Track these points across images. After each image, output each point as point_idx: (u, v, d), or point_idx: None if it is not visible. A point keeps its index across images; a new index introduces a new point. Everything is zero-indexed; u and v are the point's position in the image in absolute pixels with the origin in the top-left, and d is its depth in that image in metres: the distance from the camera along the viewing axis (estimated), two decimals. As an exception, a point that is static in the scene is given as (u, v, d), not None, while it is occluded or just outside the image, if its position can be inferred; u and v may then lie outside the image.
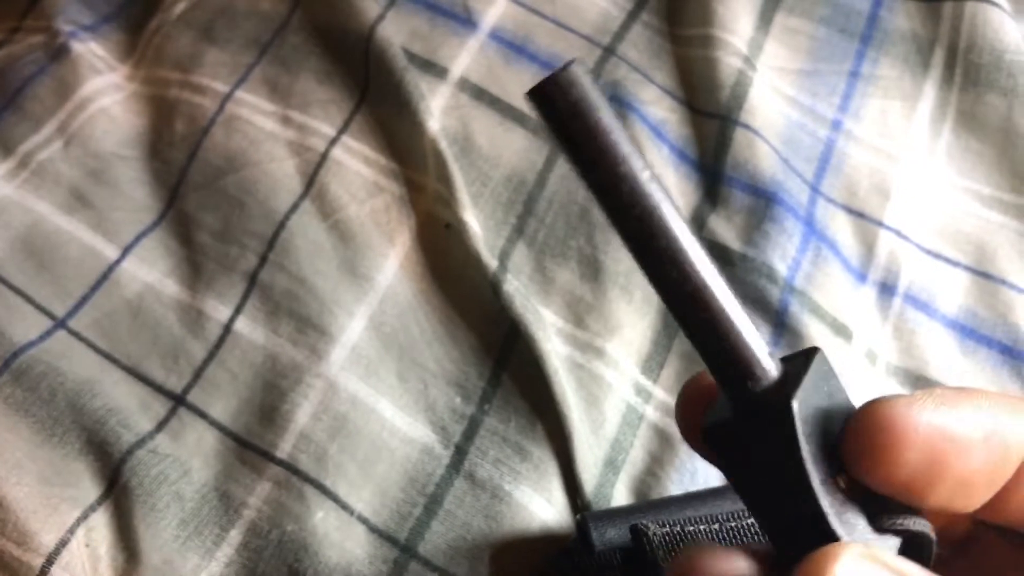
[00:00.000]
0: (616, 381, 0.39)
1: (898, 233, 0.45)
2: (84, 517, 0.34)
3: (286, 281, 0.40)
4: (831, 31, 0.50)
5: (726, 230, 0.43)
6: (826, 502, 0.18)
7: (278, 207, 0.42)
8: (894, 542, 0.19)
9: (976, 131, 0.48)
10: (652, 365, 0.40)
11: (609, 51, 0.47)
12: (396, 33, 0.45)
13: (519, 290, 0.40)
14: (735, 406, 0.19)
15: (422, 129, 0.43)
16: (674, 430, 0.39)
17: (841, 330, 0.41)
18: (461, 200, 0.41)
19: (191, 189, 0.43)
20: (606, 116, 0.17)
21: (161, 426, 0.37)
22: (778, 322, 0.41)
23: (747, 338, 0.18)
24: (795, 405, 0.18)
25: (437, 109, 0.44)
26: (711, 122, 0.46)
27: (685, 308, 0.18)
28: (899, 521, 0.19)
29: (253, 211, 0.41)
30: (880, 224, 0.45)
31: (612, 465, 0.38)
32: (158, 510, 0.35)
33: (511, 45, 0.47)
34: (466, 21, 0.47)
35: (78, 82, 0.45)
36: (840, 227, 0.45)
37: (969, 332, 0.43)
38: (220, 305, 0.40)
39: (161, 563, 0.34)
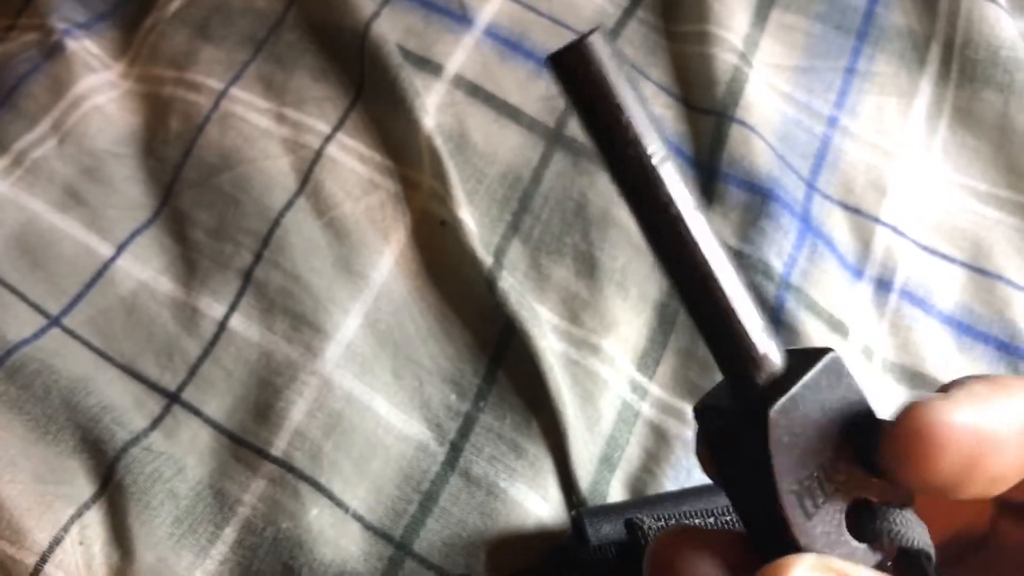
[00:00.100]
0: (612, 378, 0.39)
1: (894, 229, 0.45)
2: (78, 515, 0.34)
3: (281, 278, 0.40)
4: (827, 27, 0.50)
5: (722, 227, 0.43)
6: (793, 511, 0.18)
7: (273, 204, 0.41)
8: (873, 556, 0.19)
9: (972, 127, 0.48)
10: (648, 362, 0.40)
11: (605, 48, 0.47)
12: (391, 30, 0.45)
13: (514, 287, 0.40)
14: (732, 394, 0.19)
15: (417, 126, 0.42)
16: (670, 427, 0.39)
17: (837, 326, 0.41)
18: (456, 197, 0.41)
19: (185, 187, 0.42)
20: (622, 90, 0.17)
21: (155, 424, 0.37)
22: (774, 319, 0.41)
23: (748, 328, 0.18)
24: (772, 413, 0.18)
25: (432, 106, 0.44)
26: (707, 119, 0.46)
27: (691, 292, 0.18)
28: (895, 533, 0.19)
29: (248, 208, 0.41)
30: (876, 220, 0.45)
31: (608, 462, 0.38)
32: (152, 508, 0.34)
33: (506, 42, 0.47)
34: (461, 18, 0.47)
35: (72, 80, 0.45)
36: (836, 223, 0.45)
37: (966, 328, 0.43)
38: (215, 303, 0.39)
39: (155, 561, 0.34)
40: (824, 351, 0.18)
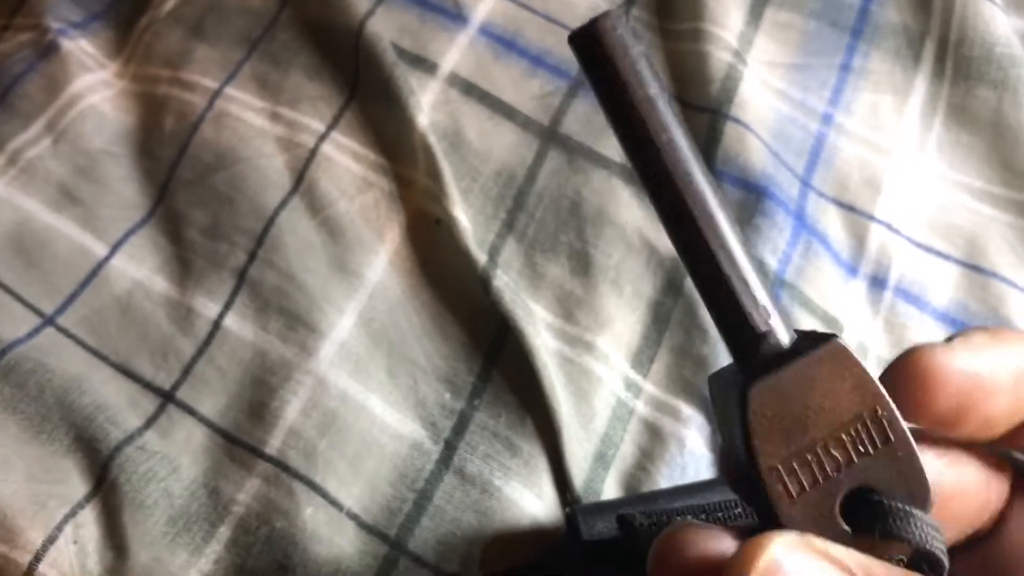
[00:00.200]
0: (606, 375, 0.39)
1: (889, 226, 0.45)
2: (72, 514, 0.34)
3: (275, 278, 0.40)
4: (821, 25, 0.50)
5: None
6: (774, 488, 0.18)
7: (267, 203, 0.41)
8: (872, 548, 0.19)
9: (967, 124, 0.48)
10: (642, 359, 0.40)
11: (599, 46, 0.47)
12: (386, 28, 0.45)
13: (509, 285, 0.40)
14: (735, 367, 0.19)
15: (412, 124, 0.42)
16: (664, 424, 0.39)
17: (832, 323, 0.41)
18: (451, 195, 0.41)
19: (180, 186, 0.42)
20: (639, 64, 0.17)
21: (150, 423, 0.37)
22: (768, 316, 0.41)
23: (751, 306, 0.18)
24: (752, 390, 0.18)
25: (427, 104, 0.44)
26: (701, 116, 0.46)
27: (700, 271, 0.19)
28: (906, 532, 0.18)
29: (242, 207, 0.41)
30: (871, 218, 0.45)
31: (602, 460, 0.38)
32: (147, 507, 0.35)
33: (501, 40, 0.47)
34: (456, 16, 0.47)
35: (67, 79, 0.45)
36: (831, 221, 0.45)
37: (960, 325, 0.43)
38: (209, 302, 0.39)
39: (150, 560, 0.34)
40: (830, 336, 0.19)
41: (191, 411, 0.37)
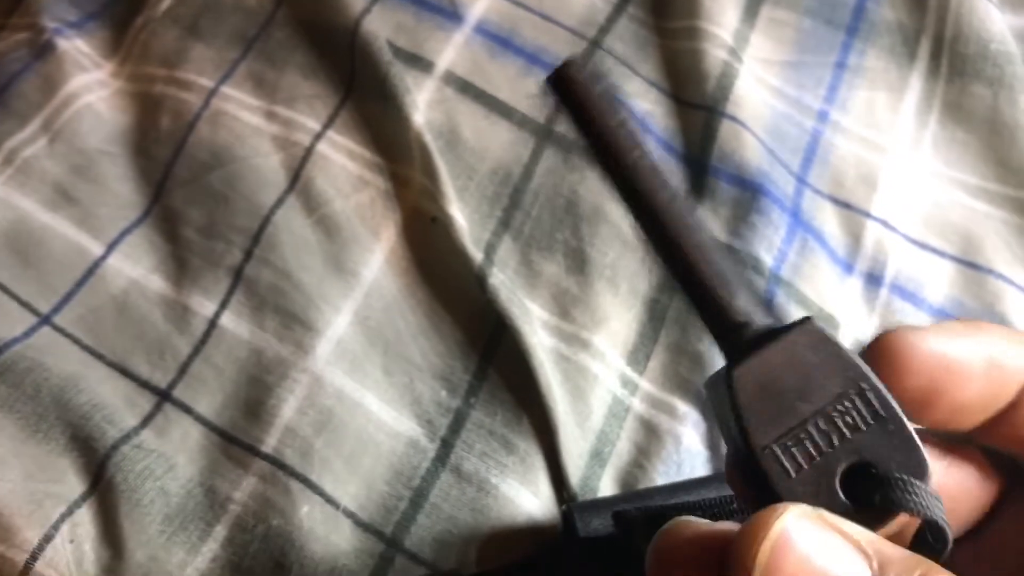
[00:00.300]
0: (602, 373, 0.39)
1: (885, 223, 0.45)
2: (69, 513, 0.34)
3: (271, 276, 0.40)
4: (817, 22, 0.50)
5: (712, 222, 0.43)
6: (772, 466, 0.19)
7: (263, 202, 0.41)
8: (874, 523, 0.19)
9: (962, 121, 0.48)
10: (638, 357, 0.40)
11: (595, 44, 0.47)
12: (382, 27, 0.45)
13: (505, 283, 0.40)
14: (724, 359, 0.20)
15: (408, 123, 0.43)
16: (660, 422, 0.39)
17: (828, 320, 0.41)
18: (447, 194, 0.41)
19: (176, 185, 0.42)
20: (604, 100, 0.20)
21: (146, 422, 0.37)
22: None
23: (728, 300, 0.19)
24: (736, 372, 0.19)
25: (423, 103, 0.44)
26: (697, 114, 0.46)
27: (679, 272, 0.20)
28: (907, 503, 0.19)
29: (238, 206, 0.41)
30: (867, 215, 0.45)
31: (598, 457, 0.38)
32: (143, 506, 0.35)
33: (496, 38, 0.47)
34: (452, 15, 0.47)
35: (63, 79, 0.45)
36: (826, 218, 0.45)
37: (956, 322, 0.43)
38: (205, 300, 0.39)
39: (146, 559, 0.34)
40: (805, 319, 0.19)
41: (187, 410, 0.37)
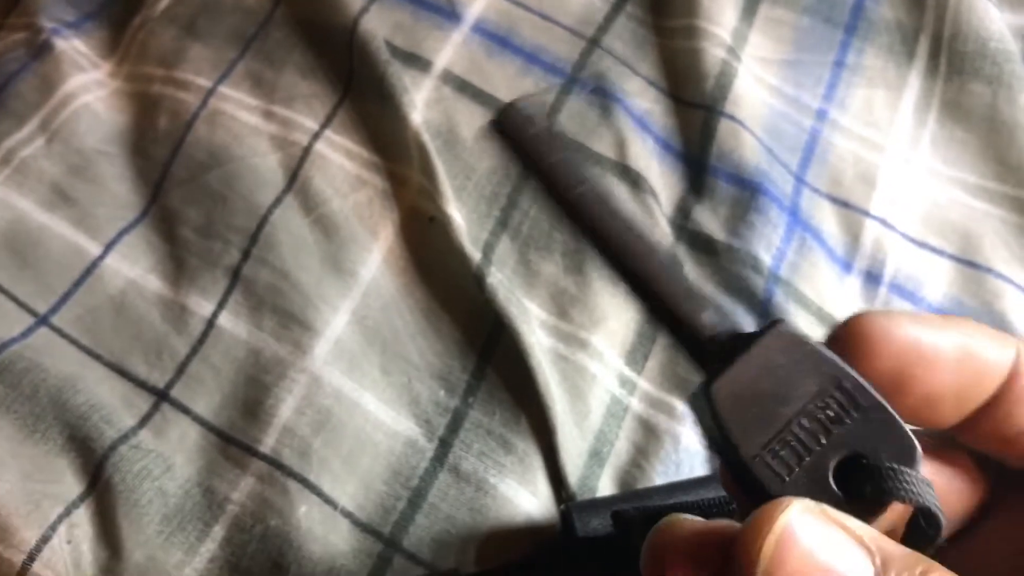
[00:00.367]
0: (601, 373, 0.39)
1: (883, 222, 0.45)
2: (66, 514, 0.34)
3: (269, 276, 0.40)
4: (815, 21, 0.50)
5: (711, 220, 0.43)
6: (764, 472, 0.19)
7: (261, 202, 0.41)
8: (869, 514, 0.19)
9: (961, 120, 0.48)
10: (637, 357, 0.40)
11: (593, 43, 0.47)
12: (379, 26, 0.45)
13: (503, 283, 0.40)
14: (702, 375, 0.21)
15: (405, 122, 0.42)
16: (659, 421, 0.39)
17: (826, 320, 0.41)
18: (445, 193, 0.41)
19: (174, 185, 0.42)
20: (548, 141, 0.21)
21: (144, 422, 0.37)
22: (763, 312, 0.41)
23: (691, 316, 0.20)
24: (714, 387, 0.19)
25: (420, 102, 0.44)
26: (696, 113, 0.46)
27: (639, 295, 0.21)
28: (898, 491, 0.19)
29: (236, 206, 0.41)
30: (865, 213, 0.45)
31: (597, 457, 0.38)
32: (141, 506, 0.34)
33: (494, 37, 0.47)
34: (450, 14, 0.47)
35: (61, 79, 0.45)
36: (825, 217, 0.45)
37: (955, 321, 0.43)
38: (203, 300, 0.39)
39: (144, 559, 0.34)
40: (774, 322, 0.20)
41: (185, 410, 0.37)
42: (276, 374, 0.38)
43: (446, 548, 0.36)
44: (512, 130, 0.21)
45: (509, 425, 0.38)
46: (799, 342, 0.19)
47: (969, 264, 0.44)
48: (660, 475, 0.38)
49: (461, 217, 0.41)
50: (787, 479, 0.19)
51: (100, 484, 0.35)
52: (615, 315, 0.41)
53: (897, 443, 0.19)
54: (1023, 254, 0.44)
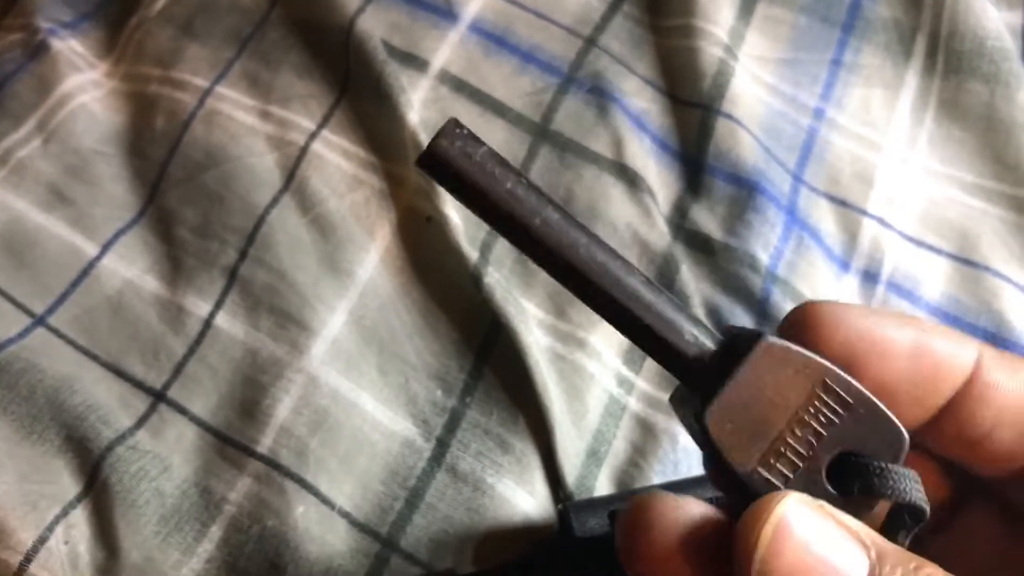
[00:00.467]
0: (598, 372, 0.39)
1: (881, 221, 0.45)
2: (63, 514, 0.34)
3: (266, 276, 0.40)
4: (812, 20, 0.50)
5: (708, 220, 0.43)
6: (762, 485, 0.19)
7: (258, 202, 0.41)
8: (862, 511, 0.19)
9: (958, 119, 0.48)
10: (635, 356, 0.40)
11: (591, 42, 0.47)
12: (376, 26, 0.45)
13: (500, 282, 0.40)
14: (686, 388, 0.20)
15: (402, 122, 0.42)
16: (657, 421, 0.39)
17: (824, 319, 0.41)
18: (442, 193, 0.41)
19: (171, 185, 0.42)
20: (493, 170, 0.19)
21: (141, 422, 0.37)
22: (761, 311, 0.41)
23: (673, 338, 0.19)
24: (707, 415, 0.19)
25: (417, 102, 0.44)
26: (693, 112, 0.46)
27: (614, 321, 0.20)
28: (886, 488, 0.19)
29: (233, 206, 0.41)
30: (863, 212, 0.45)
31: (595, 456, 0.38)
32: (138, 506, 0.34)
33: (491, 37, 0.47)
34: (446, 13, 0.47)
35: (58, 79, 0.45)
36: (823, 216, 0.44)
37: (953, 319, 0.43)
38: (200, 301, 0.39)
39: (141, 560, 0.34)
40: (756, 336, 0.19)
41: (182, 410, 0.37)
42: (273, 374, 0.38)
43: (443, 548, 0.36)
44: (449, 163, 0.18)
45: (507, 425, 0.38)
46: (784, 353, 0.19)
47: (967, 263, 0.44)
48: (658, 474, 0.38)
49: (458, 217, 0.41)
50: (783, 488, 0.19)
51: (97, 485, 0.35)
52: (612, 314, 0.40)
53: (885, 434, 0.19)
54: (1021, 252, 0.44)
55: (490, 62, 0.46)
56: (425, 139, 0.42)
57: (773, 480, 0.19)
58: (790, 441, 0.19)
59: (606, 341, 0.40)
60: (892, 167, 0.46)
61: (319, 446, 0.36)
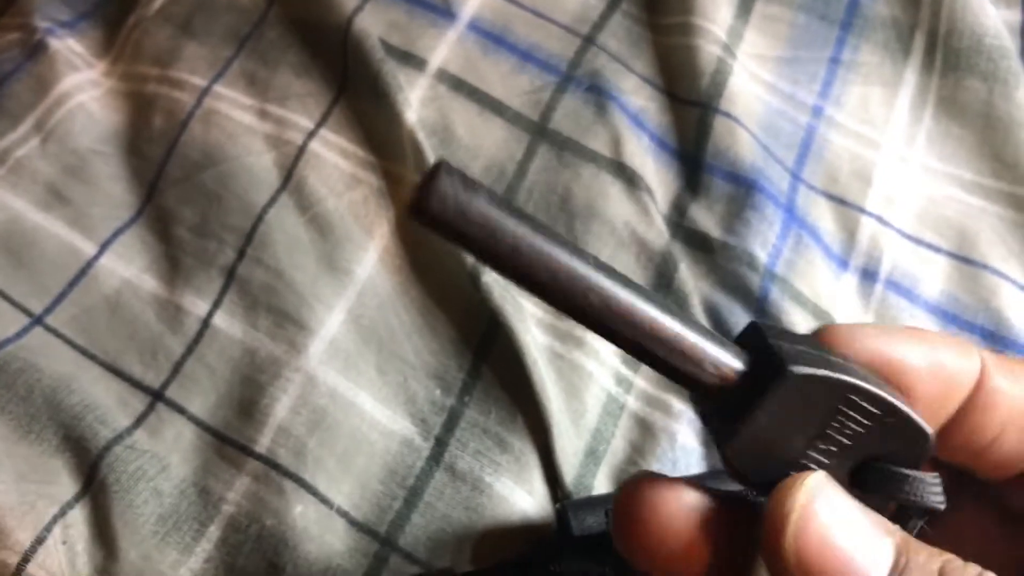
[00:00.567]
0: (597, 371, 0.39)
1: (880, 219, 0.45)
2: (61, 514, 0.34)
3: (264, 275, 0.40)
4: (811, 18, 0.50)
5: (707, 218, 0.43)
6: None
7: (256, 201, 0.41)
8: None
9: (957, 116, 0.47)
10: (633, 355, 0.40)
11: (589, 41, 0.47)
12: (374, 25, 0.45)
13: (498, 281, 0.40)
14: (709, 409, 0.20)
15: (400, 121, 0.42)
16: (655, 419, 0.39)
17: (823, 316, 0.41)
18: (440, 192, 0.41)
19: (169, 184, 0.42)
20: (497, 214, 0.17)
21: (139, 422, 0.37)
22: (759, 309, 0.41)
23: (690, 369, 0.18)
24: (727, 451, 0.19)
25: (415, 100, 0.44)
26: (691, 110, 0.46)
27: (637, 353, 0.18)
28: (909, 496, 0.19)
29: (231, 205, 0.41)
30: (862, 210, 0.45)
31: (593, 455, 0.38)
32: (136, 506, 0.34)
33: (489, 35, 0.47)
34: (444, 12, 0.47)
35: (55, 79, 0.44)
36: (821, 214, 0.44)
37: (952, 318, 0.43)
38: (198, 300, 0.39)
39: (139, 560, 0.34)
40: (779, 365, 0.18)
41: (180, 410, 0.37)
42: (271, 374, 0.38)
43: (442, 547, 0.36)
44: (446, 212, 0.16)
45: (505, 424, 0.38)
46: (809, 381, 0.18)
47: (965, 261, 0.44)
48: (656, 473, 0.38)
49: (456, 216, 0.41)
50: None
51: (95, 484, 0.35)
52: (611, 313, 0.40)
53: (911, 437, 0.19)
54: (1019, 250, 0.44)
55: (488, 61, 0.46)
56: (423, 138, 0.42)
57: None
58: (812, 454, 0.19)
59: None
60: (891, 165, 0.46)
61: (317, 445, 0.36)
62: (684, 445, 0.38)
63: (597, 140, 0.44)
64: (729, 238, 0.42)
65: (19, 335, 0.38)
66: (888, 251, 0.44)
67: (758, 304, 0.41)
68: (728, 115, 0.44)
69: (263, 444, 0.36)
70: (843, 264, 0.43)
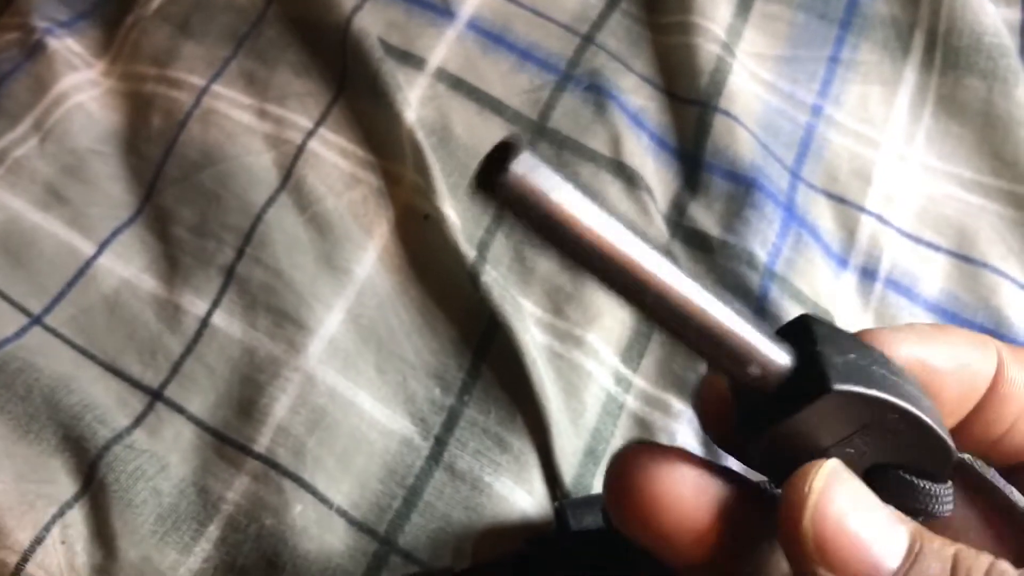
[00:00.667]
0: (596, 370, 0.39)
1: (879, 218, 0.45)
2: (60, 514, 0.34)
3: (263, 275, 0.40)
4: (810, 17, 0.50)
5: (706, 217, 0.43)
6: None
7: (255, 200, 0.41)
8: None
9: (956, 115, 0.47)
10: (632, 354, 0.40)
11: (588, 40, 0.47)
12: (373, 24, 0.45)
13: (497, 280, 0.40)
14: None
15: (399, 120, 0.42)
16: (655, 419, 0.39)
17: (822, 315, 0.41)
18: (439, 191, 0.41)
19: (168, 184, 0.42)
20: (579, 197, 0.15)
21: (138, 422, 0.37)
22: (758, 308, 0.41)
23: (732, 364, 0.18)
24: (752, 451, 0.19)
25: (415, 100, 0.44)
26: (690, 109, 0.46)
27: (684, 340, 0.18)
28: (929, 508, 0.19)
29: (230, 205, 0.41)
30: (861, 209, 0.45)
31: (593, 455, 0.38)
32: (135, 506, 0.34)
33: (489, 34, 0.47)
34: (444, 11, 0.47)
35: (54, 79, 0.44)
36: (821, 212, 0.44)
37: (951, 316, 0.43)
38: (197, 299, 0.39)
39: (138, 559, 0.34)
40: (823, 383, 0.18)
41: (180, 409, 0.37)
42: (270, 373, 0.37)
43: (442, 546, 0.36)
44: (529, 186, 0.15)
45: (504, 423, 0.38)
46: (851, 398, 0.18)
47: (965, 259, 0.44)
48: (656, 472, 0.38)
49: (456, 215, 0.41)
50: None
51: (94, 484, 0.35)
52: (610, 312, 0.40)
53: (934, 452, 0.19)
54: (1019, 249, 0.44)
55: (487, 60, 0.46)
56: (422, 137, 0.42)
57: None
58: (833, 452, 0.19)
59: (604, 339, 0.40)
60: (890, 164, 0.46)
61: (316, 445, 0.36)
62: (683, 445, 0.38)
63: (596, 139, 0.44)
64: (728, 237, 0.42)
65: (18, 335, 0.38)
66: (888, 250, 0.44)
67: (757, 303, 0.41)
68: (727, 114, 0.44)
69: (262, 444, 0.36)
70: (843, 263, 0.43)
